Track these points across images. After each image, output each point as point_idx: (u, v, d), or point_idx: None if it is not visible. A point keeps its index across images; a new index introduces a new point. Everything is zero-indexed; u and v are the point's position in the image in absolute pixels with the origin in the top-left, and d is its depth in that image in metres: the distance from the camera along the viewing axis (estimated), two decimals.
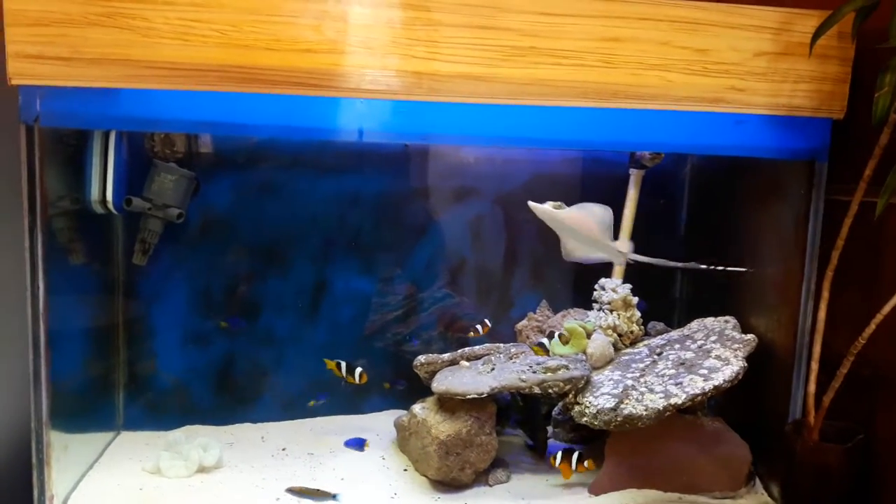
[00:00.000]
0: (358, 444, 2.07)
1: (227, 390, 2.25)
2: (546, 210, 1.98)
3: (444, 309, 2.34)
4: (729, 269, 2.08)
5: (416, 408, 2.00)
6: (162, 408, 2.19)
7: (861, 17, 1.67)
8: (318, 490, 1.81)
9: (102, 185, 1.86)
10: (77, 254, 1.84)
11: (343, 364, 2.06)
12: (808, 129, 1.79)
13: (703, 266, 2.10)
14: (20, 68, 1.51)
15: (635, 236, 2.21)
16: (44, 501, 1.68)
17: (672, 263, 2.12)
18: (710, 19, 1.69)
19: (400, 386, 2.23)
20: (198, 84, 1.56)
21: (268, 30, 1.55)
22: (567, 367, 1.90)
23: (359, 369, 2.04)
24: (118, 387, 2.16)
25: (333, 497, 1.79)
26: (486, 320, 2.22)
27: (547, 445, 2.12)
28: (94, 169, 1.85)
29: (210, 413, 2.23)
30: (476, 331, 2.21)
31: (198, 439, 2.01)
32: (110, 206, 1.88)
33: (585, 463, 1.87)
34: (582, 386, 1.88)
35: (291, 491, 1.82)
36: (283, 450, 2.09)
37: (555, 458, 1.89)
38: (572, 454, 1.88)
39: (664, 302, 2.42)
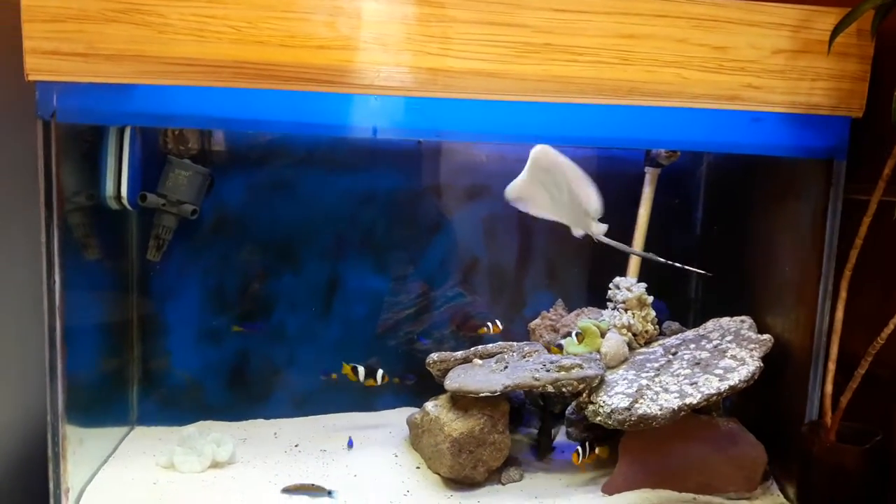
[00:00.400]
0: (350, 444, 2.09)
1: (240, 386, 2.26)
2: (551, 153, 1.89)
3: (456, 308, 2.33)
4: (688, 268, 2.04)
5: (429, 405, 2.00)
6: (176, 403, 2.20)
7: (881, 15, 1.65)
8: (313, 485, 1.81)
9: (117, 181, 1.87)
10: (92, 249, 1.85)
11: (361, 368, 2.07)
12: (826, 128, 1.78)
13: (661, 260, 2.06)
14: (37, 64, 1.51)
15: (650, 234, 2.20)
16: (59, 494, 1.69)
17: (631, 250, 2.14)
18: (727, 16, 1.68)
19: (409, 380, 2.22)
20: (212, 80, 1.56)
21: (282, 26, 1.55)
22: (581, 366, 1.89)
23: (380, 371, 2.06)
24: (132, 382, 2.17)
25: (329, 494, 1.79)
26: (498, 322, 2.22)
27: (550, 449, 2.10)
28: (108, 165, 1.86)
29: (223, 409, 2.24)
30: (487, 328, 2.20)
31: (211, 435, 2.02)
32: (125, 202, 1.89)
33: (597, 450, 1.90)
34: (596, 385, 1.87)
35: (287, 490, 1.81)
36: (296, 446, 2.10)
37: (577, 454, 1.90)
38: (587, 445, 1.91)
39: (679, 301, 2.41)
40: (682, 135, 1.78)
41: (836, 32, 1.65)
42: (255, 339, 2.23)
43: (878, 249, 1.73)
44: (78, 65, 1.52)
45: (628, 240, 2.21)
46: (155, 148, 1.99)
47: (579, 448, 1.91)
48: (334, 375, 2.16)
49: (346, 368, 2.07)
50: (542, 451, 2.09)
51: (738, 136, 1.78)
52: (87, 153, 1.83)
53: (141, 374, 2.18)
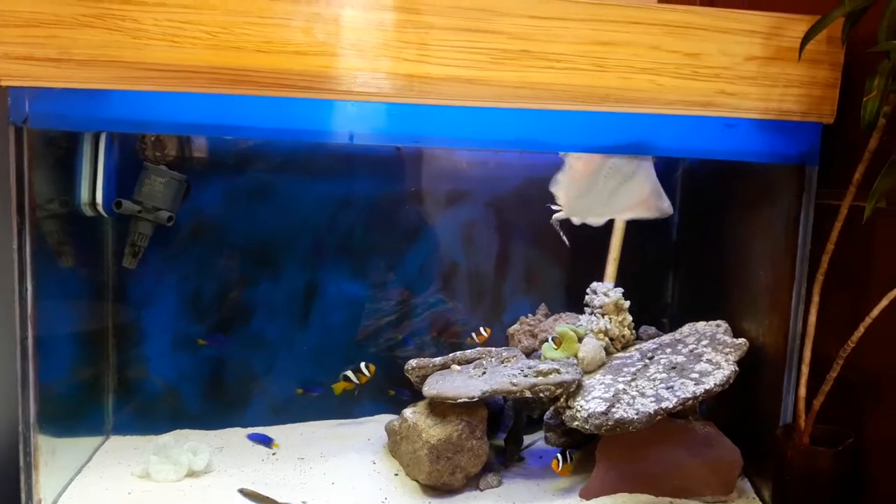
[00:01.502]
0: (264, 440, 2.05)
1: (216, 395, 2.24)
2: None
3: (437, 314, 2.33)
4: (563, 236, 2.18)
5: (408, 412, 2.00)
6: (151, 412, 2.18)
7: (850, 22, 1.67)
8: (268, 497, 1.79)
9: (92, 188, 1.85)
10: (66, 257, 1.83)
11: (350, 373, 2.09)
12: (797, 134, 1.80)
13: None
14: (9, 69, 1.50)
15: (626, 239, 2.21)
16: None
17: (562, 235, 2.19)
18: (700, 23, 1.70)
19: (405, 396, 2.20)
20: (188, 86, 1.55)
21: (258, 32, 1.55)
22: (558, 371, 1.90)
23: (362, 363, 2.09)
24: (107, 391, 2.15)
25: None
26: (482, 329, 2.22)
27: (519, 458, 2.10)
28: (83, 171, 1.84)
29: (199, 417, 2.22)
30: (472, 338, 2.21)
31: (187, 443, 1.99)
32: (100, 208, 1.87)
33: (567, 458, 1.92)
34: (573, 390, 1.88)
35: (243, 492, 1.78)
36: (273, 454, 2.08)
37: (557, 461, 1.90)
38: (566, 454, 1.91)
39: (656, 306, 2.43)
40: (656, 141, 1.80)
41: (806, 39, 1.67)
42: (232, 347, 2.22)
43: (849, 254, 1.75)
44: (50, 70, 1.51)
45: (605, 245, 2.23)
46: (131, 154, 1.98)
47: (559, 455, 1.91)
48: (300, 390, 2.21)
49: (340, 386, 2.10)
50: (509, 458, 2.08)
51: (712, 143, 1.80)
52: (62, 159, 1.81)
53: (116, 382, 2.15)
